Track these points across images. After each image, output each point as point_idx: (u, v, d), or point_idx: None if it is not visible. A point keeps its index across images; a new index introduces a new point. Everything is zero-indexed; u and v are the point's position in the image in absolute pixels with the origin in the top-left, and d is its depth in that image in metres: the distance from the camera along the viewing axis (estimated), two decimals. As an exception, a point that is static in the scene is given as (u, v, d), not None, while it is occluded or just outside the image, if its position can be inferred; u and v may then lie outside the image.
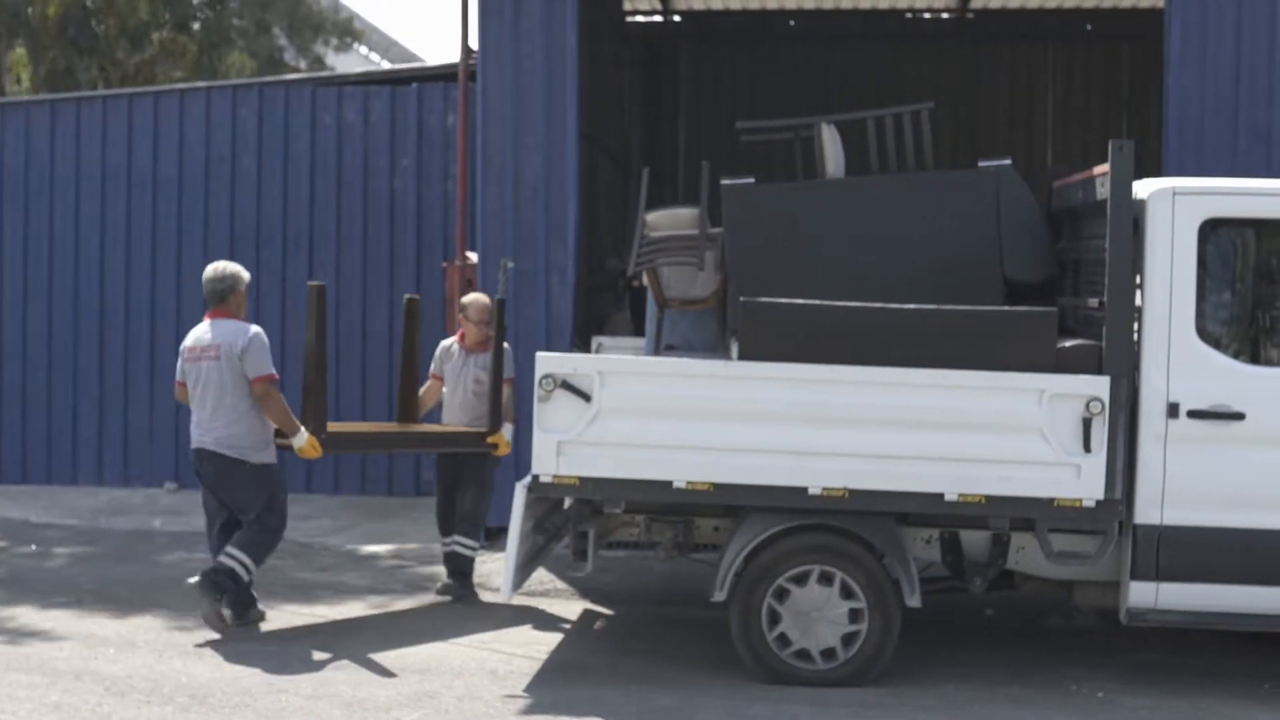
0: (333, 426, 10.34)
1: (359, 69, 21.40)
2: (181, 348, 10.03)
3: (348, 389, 14.96)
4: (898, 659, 8.98)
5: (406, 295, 10.46)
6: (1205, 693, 8.94)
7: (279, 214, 15.15)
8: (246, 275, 10.18)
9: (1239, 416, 8.69)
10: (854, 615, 8.86)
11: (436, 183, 14.99)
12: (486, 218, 12.61)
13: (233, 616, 9.87)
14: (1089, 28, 17.95)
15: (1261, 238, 9.02)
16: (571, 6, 12.47)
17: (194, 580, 9.81)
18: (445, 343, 11.21)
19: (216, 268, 10.10)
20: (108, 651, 9.34)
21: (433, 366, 11.15)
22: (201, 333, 9.93)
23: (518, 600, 10.25)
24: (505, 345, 10.74)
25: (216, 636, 9.69)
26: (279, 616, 10.29)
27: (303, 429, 9.86)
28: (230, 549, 9.79)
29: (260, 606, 10.10)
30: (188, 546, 12.57)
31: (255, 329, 9.90)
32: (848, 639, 8.87)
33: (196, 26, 26.00)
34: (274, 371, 9.86)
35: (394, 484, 15.00)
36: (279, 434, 9.95)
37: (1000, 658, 9.63)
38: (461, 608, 10.73)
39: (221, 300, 9.98)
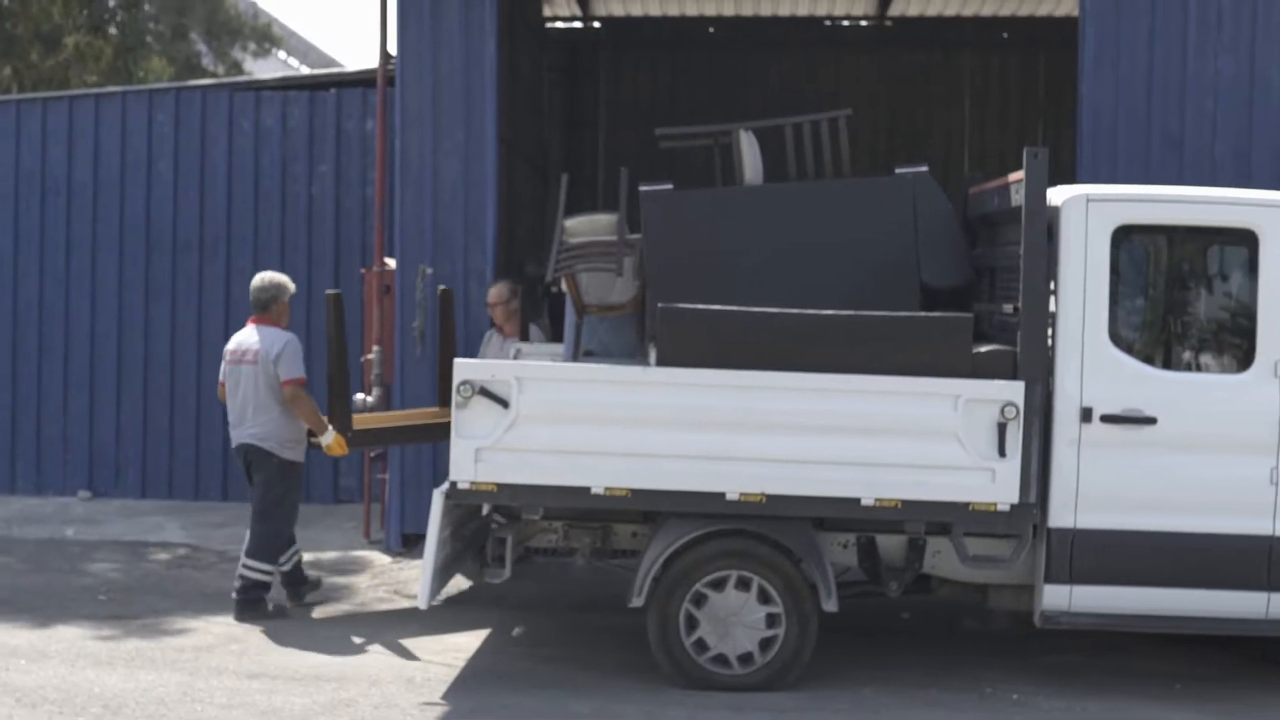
0: (358, 420, 10.81)
1: (278, 74, 21.25)
2: (224, 350, 10.84)
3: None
4: (815, 663, 9.01)
5: (328, 291, 10.44)
6: (1118, 693, 9.04)
7: (195, 219, 15.01)
8: (292, 286, 10.95)
9: (1151, 421, 8.78)
10: (771, 620, 8.89)
11: (355, 188, 14.90)
12: (405, 223, 12.57)
13: (239, 612, 10.45)
14: (1006, 36, 18.11)
15: (1173, 244, 9.13)
16: (490, 13, 12.45)
17: (236, 615, 10.44)
18: (486, 334, 12.08)
19: (263, 277, 10.88)
20: (19, 662, 9.23)
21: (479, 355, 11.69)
22: (243, 338, 10.73)
23: (435, 607, 10.20)
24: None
25: (135, 644, 9.61)
26: (193, 627, 10.21)
27: (330, 428, 10.43)
28: (246, 563, 10.50)
29: (268, 602, 10.61)
30: (101, 555, 12.45)
31: (290, 336, 10.67)
32: (765, 644, 8.90)
33: (112, 30, 25.73)
34: (303, 375, 10.55)
35: (312, 492, 14.87)
36: (310, 434, 10.60)
37: (917, 661, 9.69)
38: (381, 615, 10.68)
39: (264, 309, 10.75)
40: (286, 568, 10.79)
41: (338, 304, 10.32)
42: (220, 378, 10.83)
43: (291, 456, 10.64)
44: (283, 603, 10.70)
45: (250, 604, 10.44)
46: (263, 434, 10.56)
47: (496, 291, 11.99)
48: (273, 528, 10.60)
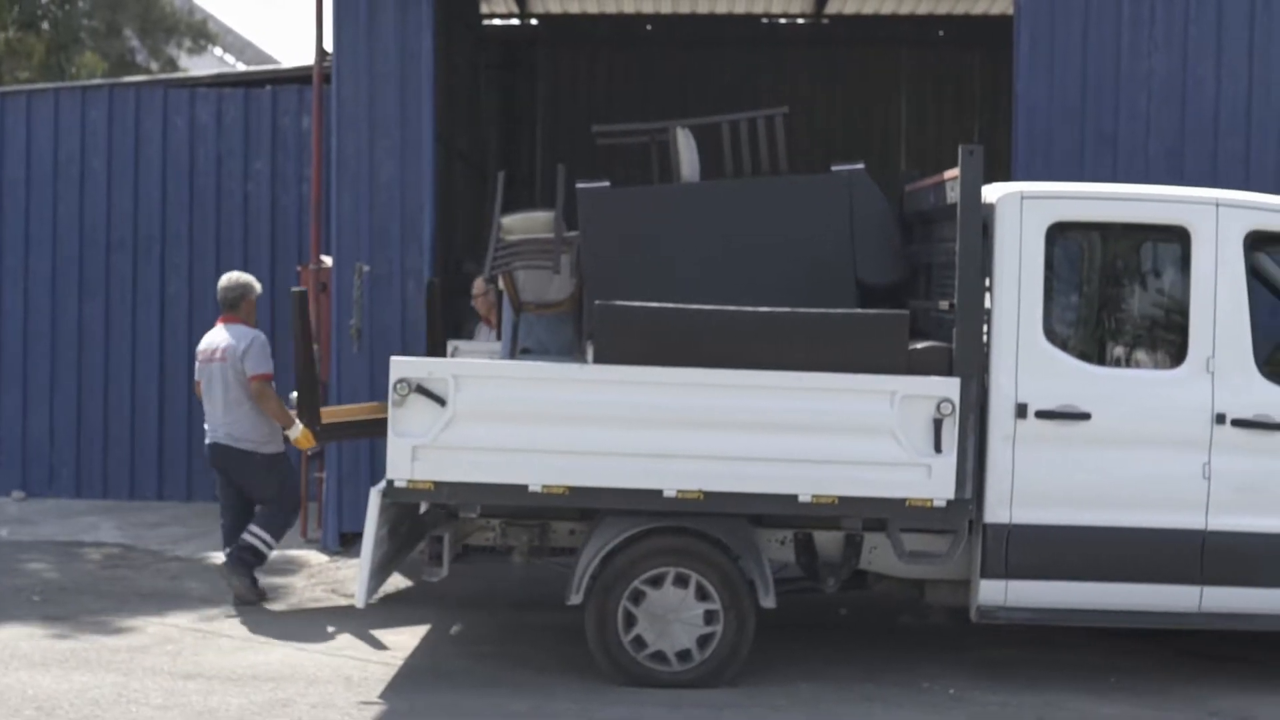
0: (326, 414, 10.80)
1: (213, 71, 21.12)
2: (196, 351, 11.10)
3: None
4: (753, 659, 9.04)
5: (294, 289, 10.43)
6: (1053, 687, 9.10)
7: (130, 217, 14.90)
8: (258, 286, 11.24)
9: (1085, 416, 8.84)
10: (709, 617, 8.90)
11: (291, 186, 14.83)
12: (341, 221, 12.52)
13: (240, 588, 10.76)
14: (941, 34, 18.19)
15: (1107, 241, 9.20)
16: (426, 10, 12.42)
17: (221, 561, 10.86)
18: (476, 325, 12.40)
19: (230, 277, 11.16)
20: (-49, 663, 9.16)
21: None
22: (213, 337, 10.99)
23: (373, 606, 10.16)
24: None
25: (70, 645, 9.53)
26: (128, 627, 10.14)
27: (297, 422, 10.54)
28: (252, 527, 10.81)
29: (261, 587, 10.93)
30: (35, 556, 12.34)
31: (258, 333, 10.93)
32: (703, 640, 8.91)
33: (45, 26, 25.50)
34: (270, 371, 10.80)
35: (249, 490, 14.80)
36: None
37: (854, 656, 9.73)
38: (319, 614, 10.64)
39: (233, 307, 11.02)
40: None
41: (303, 301, 10.36)
42: (195, 377, 11.12)
43: (272, 450, 10.89)
44: (249, 594, 10.80)
45: (242, 563, 10.73)
46: (237, 433, 10.80)
47: (478, 283, 12.23)
48: (281, 512, 10.98)
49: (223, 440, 10.84)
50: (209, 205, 14.88)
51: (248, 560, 10.78)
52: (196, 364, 11.06)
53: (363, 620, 10.20)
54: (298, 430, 10.58)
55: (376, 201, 12.49)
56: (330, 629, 10.20)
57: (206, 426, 11.02)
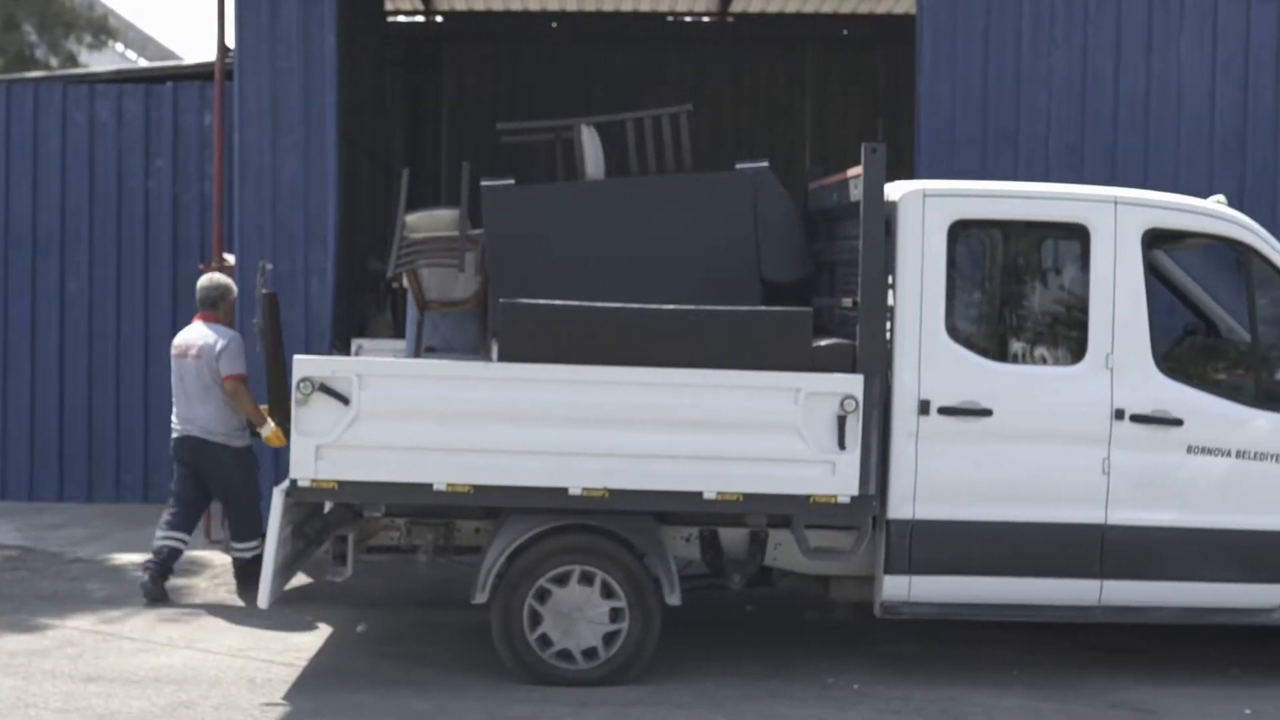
0: None
1: (114, 67, 20.88)
2: (171, 346, 11.24)
3: (102, 395, 14.60)
4: (659, 656, 9.05)
5: (265, 290, 10.38)
6: (956, 682, 9.18)
7: (28, 215, 14.69)
8: (235, 288, 11.46)
9: (987, 412, 8.92)
10: (615, 614, 8.91)
11: (193, 183, 14.68)
12: (244, 219, 12.41)
13: (242, 590, 11.03)
14: (846, 33, 18.26)
15: (1008, 239, 9.29)
16: (330, 6, 12.33)
17: (241, 594, 11.01)
18: None
19: (211, 277, 11.39)
20: None
21: None
22: (189, 334, 11.17)
23: (277, 607, 10.09)
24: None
25: None
26: (27, 630, 10.01)
27: (269, 421, 10.72)
28: (234, 546, 11.12)
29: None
30: (-67, 558, 12.19)
31: (235, 333, 11.16)
32: (609, 638, 8.92)
33: (-58, 22, 25.16)
34: (244, 371, 10.98)
35: (150, 491, 14.66)
36: (250, 426, 11.06)
37: (760, 653, 9.76)
38: (222, 616, 10.56)
39: (213, 306, 11.23)
40: (164, 553, 10.97)
41: (273, 303, 10.42)
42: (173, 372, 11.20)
43: (241, 444, 11.08)
44: (149, 587, 10.89)
45: (250, 578, 10.63)
46: (209, 427, 10.97)
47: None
48: (245, 509, 11.08)
49: (194, 433, 10.98)
50: (109, 203, 14.70)
51: (254, 572, 10.29)
52: (172, 360, 11.15)
53: (267, 621, 10.13)
54: (269, 429, 10.73)
55: (279, 199, 12.39)
56: (234, 630, 10.11)
57: (175, 420, 11.10)
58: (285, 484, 8.87)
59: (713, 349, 8.75)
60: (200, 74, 14.82)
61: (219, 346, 10.94)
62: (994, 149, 12.39)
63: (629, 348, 8.74)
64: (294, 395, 8.71)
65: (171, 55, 46.04)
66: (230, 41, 12.67)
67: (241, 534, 11.07)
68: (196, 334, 11.10)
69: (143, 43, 46.12)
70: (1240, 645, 9.96)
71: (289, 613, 10.45)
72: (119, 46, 39.84)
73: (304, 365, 8.78)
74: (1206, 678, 9.41)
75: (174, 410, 11.15)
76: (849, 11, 17.70)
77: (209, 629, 10.18)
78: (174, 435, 11.15)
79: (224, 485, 11.13)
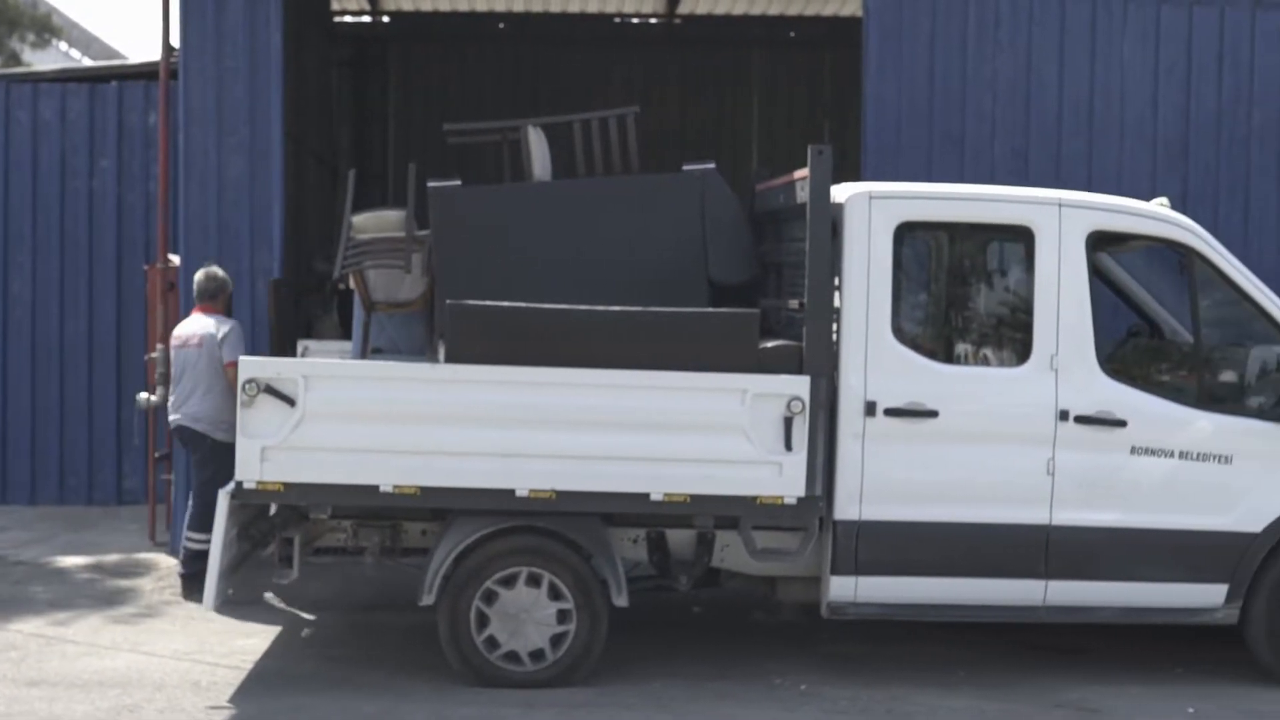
0: None
1: (58, 66, 20.73)
2: (171, 338, 11.23)
3: (45, 397, 14.49)
4: (607, 658, 9.05)
5: (272, 279, 10.33)
6: (901, 682, 9.21)
7: (-29, 216, 14.59)
8: (231, 283, 11.42)
9: (933, 414, 8.96)
10: (562, 616, 8.90)
11: (138, 183, 14.59)
12: (189, 219, 12.34)
13: (186, 589, 10.91)
14: (793, 35, 18.32)
15: (954, 241, 9.34)
16: (275, 6, 12.27)
17: (184, 593, 10.88)
18: None
19: (209, 270, 11.30)
20: None
21: None
22: (190, 324, 11.14)
23: (222, 609, 10.05)
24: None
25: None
26: (-30, 632, 9.96)
27: None
28: (188, 534, 10.95)
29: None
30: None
31: (234, 321, 11.17)
32: (556, 640, 8.91)
33: (-117, 19, 24.90)
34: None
35: (94, 493, 14.57)
36: None
37: (707, 654, 9.78)
38: (167, 618, 10.49)
39: (212, 297, 11.20)
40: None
41: (277, 290, 10.42)
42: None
43: (224, 438, 10.54)
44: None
45: (194, 578, 10.33)
46: (199, 414, 10.90)
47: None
48: (209, 501, 10.19)
49: (184, 421, 10.97)
50: (53, 203, 14.59)
51: (199, 569, 9.94)
52: (171, 351, 11.16)
53: (212, 624, 10.09)
54: None
55: (225, 200, 12.32)
56: (179, 633, 10.06)
57: (171, 409, 11.09)
58: (231, 486, 8.82)
59: (659, 350, 8.76)
60: (145, 73, 14.73)
61: (222, 333, 10.92)
62: (940, 152, 12.45)
63: (576, 349, 8.74)
64: (240, 397, 8.67)
65: (116, 54, 45.73)
66: (175, 41, 12.59)
67: (198, 524, 10.80)
68: (197, 324, 11.07)
69: (87, 42, 45.77)
70: (1184, 645, 10.04)
71: (234, 615, 10.41)
72: (63, 45, 39.55)
73: (249, 366, 8.75)
74: (1150, 677, 9.47)
75: (170, 401, 11.14)
76: (796, 14, 17.76)
77: (154, 632, 10.12)
78: (171, 426, 11.21)
79: (195, 473, 11.10)
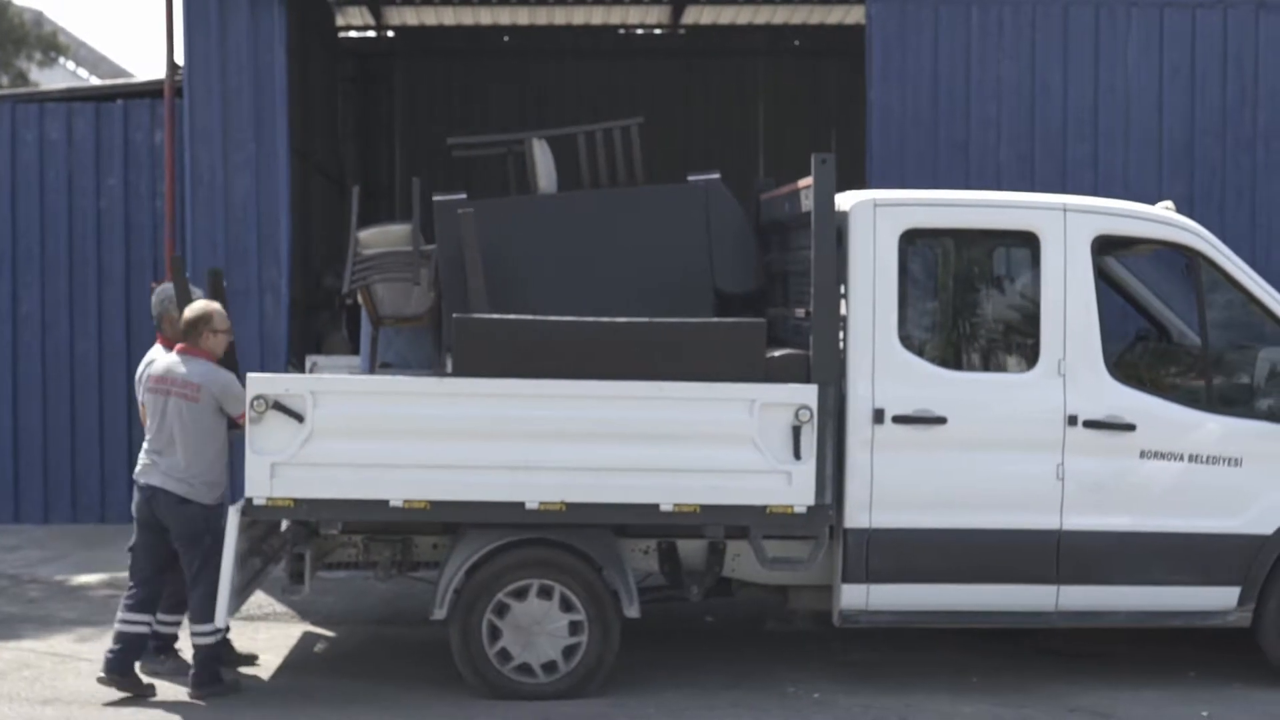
0: None
1: (65, 85, 20.78)
2: (144, 374, 9.31)
3: (56, 416, 14.51)
4: (621, 669, 9.06)
5: (210, 269, 10.17)
6: (914, 689, 9.21)
7: (-21, 235, 14.62)
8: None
9: (941, 420, 8.96)
10: (574, 628, 8.91)
11: (145, 201, 14.60)
12: (196, 237, 12.38)
13: (196, 686, 9.07)
14: (797, 44, 18.34)
15: (960, 247, 9.33)
16: (280, 23, 12.32)
17: (192, 690, 9.05)
18: None
19: (197, 306, 9.24)
20: None
21: None
22: (173, 365, 9.12)
23: (234, 625, 10.05)
24: None
25: None
26: (-16, 652, 9.97)
27: None
28: (194, 630, 9.07)
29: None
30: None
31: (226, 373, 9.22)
32: (568, 651, 8.91)
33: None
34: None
35: (107, 511, 14.58)
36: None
37: (720, 663, 9.78)
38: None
39: (197, 337, 9.15)
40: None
41: (216, 280, 9.71)
42: (141, 400, 9.37)
43: (214, 500, 9.16)
44: (235, 677, 9.36)
45: (209, 675, 9.06)
46: (190, 476, 9.04)
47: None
48: (211, 583, 8.91)
49: (169, 487, 9.07)
50: (61, 223, 14.61)
51: (213, 667, 9.12)
52: (142, 390, 9.30)
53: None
54: None
55: (232, 217, 12.37)
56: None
57: (144, 461, 9.25)
58: (241, 502, 8.84)
59: (667, 361, 8.77)
60: (151, 91, 14.75)
61: (219, 387, 9.05)
62: (945, 158, 12.48)
63: (583, 361, 8.75)
64: (248, 413, 8.68)
65: (123, 73, 45.85)
66: (180, 58, 12.62)
67: (202, 614, 9.01)
68: (187, 368, 9.06)
69: (94, 60, 45.92)
70: (1197, 649, 10.03)
71: (247, 632, 10.41)
72: (70, 64, 39.67)
73: (258, 383, 8.75)
74: (1164, 681, 9.46)
75: (145, 450, 9.26)
76: (800, 23, 17.76)
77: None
78: (140, 482, 9.26)
79: (187, 550, 9.08)
